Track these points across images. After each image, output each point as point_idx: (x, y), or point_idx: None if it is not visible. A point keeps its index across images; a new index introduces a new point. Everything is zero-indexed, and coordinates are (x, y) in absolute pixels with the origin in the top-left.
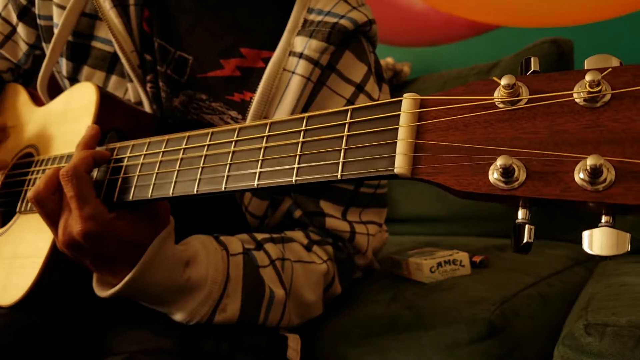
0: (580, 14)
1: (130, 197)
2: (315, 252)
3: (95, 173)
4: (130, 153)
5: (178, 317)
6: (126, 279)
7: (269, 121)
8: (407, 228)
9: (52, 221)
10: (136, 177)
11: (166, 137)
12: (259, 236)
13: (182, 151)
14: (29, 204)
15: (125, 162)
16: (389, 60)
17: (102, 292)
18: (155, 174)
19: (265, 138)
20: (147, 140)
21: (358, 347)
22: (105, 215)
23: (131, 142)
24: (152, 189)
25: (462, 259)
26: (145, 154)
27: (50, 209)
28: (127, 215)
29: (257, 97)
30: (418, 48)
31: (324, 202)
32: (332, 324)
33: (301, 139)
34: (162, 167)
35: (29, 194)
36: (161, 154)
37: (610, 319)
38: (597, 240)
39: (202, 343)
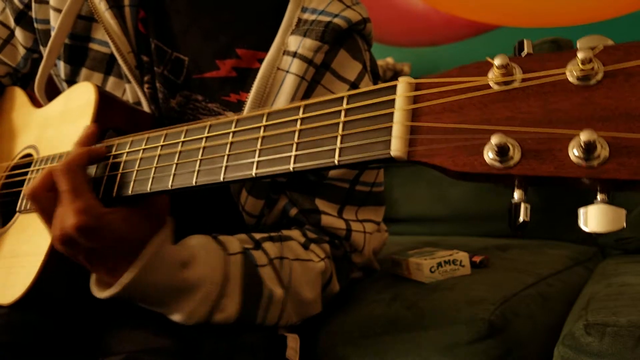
0: (580, 14)
1: (130, 192)
2: (313, 250)
3: (93, 170)
4: (129, 148)
5: (176, 317)
6: (126, 281)
7: (266, 111)
8: (407, 228)
9: (48, 218)
10: (135, 171)
11: (164, 130)
12: (258, 236)
13: (180, 144)
14: (29, 203)
15: (124, 157)
16: (389, 60)
17: (100, 293)
18: (154, 168)
19: (262, 128)
20: (146, 135)
21: (358, 347)
22: (98, 208)
23: (130, 138)
24: (151, 182)
25: (462, 259)
26: (144, 149)
27: (46, 205)
28: (122, 210)
29: (251, 96)
30: (418, 48)
31: (319, 200)
32: (332, 324)
33: (298, 127)
34: (161, 161)
35: (26, 190)
36: (160, 147)
37: (610, 319)
38: (592, 217)
39: (200, 343)
